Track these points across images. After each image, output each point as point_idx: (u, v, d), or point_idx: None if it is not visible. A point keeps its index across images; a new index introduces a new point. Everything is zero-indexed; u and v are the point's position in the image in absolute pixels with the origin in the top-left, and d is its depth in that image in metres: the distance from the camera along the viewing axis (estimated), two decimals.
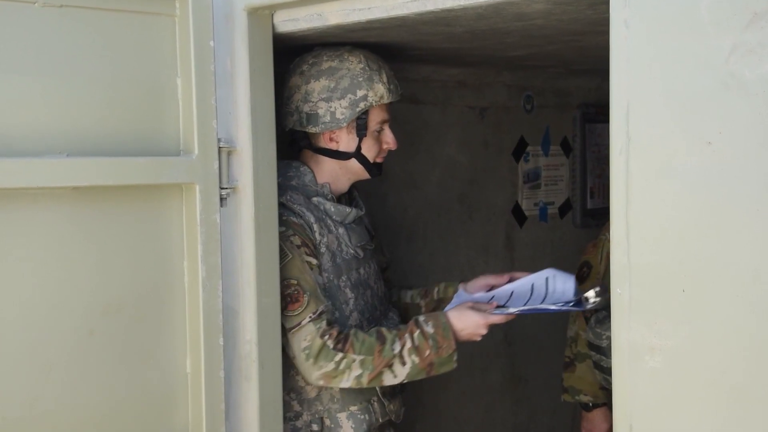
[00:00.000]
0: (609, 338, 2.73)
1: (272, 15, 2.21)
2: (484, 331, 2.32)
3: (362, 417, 2.41)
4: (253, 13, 2.17)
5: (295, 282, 2.29)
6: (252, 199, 2.18)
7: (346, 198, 2.57)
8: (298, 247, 2.32)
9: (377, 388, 2.45)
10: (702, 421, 1.52)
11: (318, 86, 2.39)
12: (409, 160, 3.23)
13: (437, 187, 3.37)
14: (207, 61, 2.08)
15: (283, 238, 2.31)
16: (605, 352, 2.78)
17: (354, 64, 2.39)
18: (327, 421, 2.40)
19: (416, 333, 2.28)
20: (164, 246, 2.09)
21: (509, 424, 3.70)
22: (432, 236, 3.35)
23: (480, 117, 3.50)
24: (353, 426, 2.40)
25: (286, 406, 2.37)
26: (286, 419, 2.37)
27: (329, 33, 2.25)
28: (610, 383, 2.81)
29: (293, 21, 2.19)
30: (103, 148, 1.98)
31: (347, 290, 2.41)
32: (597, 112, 3.90)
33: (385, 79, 2.41)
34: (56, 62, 1.92)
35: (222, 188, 2.13)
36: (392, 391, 2.51)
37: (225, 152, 2.14)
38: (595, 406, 2.93)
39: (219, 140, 2.12)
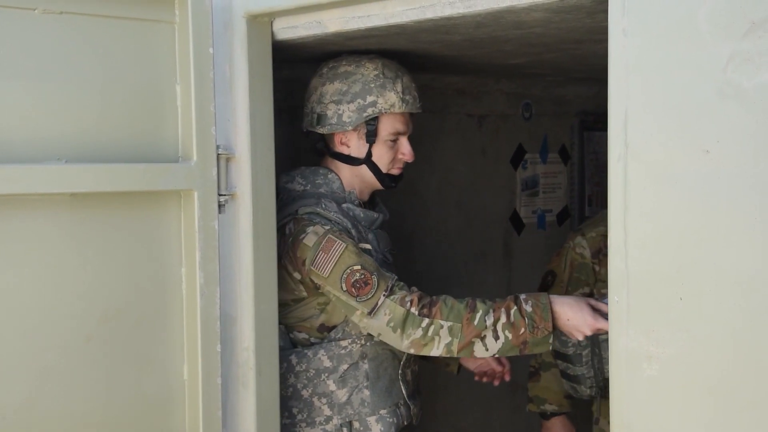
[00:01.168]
0: (575, 346, 2.74)
1: (271, 22, 2.22)
2: (588, 332, 2.25)
3: (391, 420, 2.43)
4: (253, 20, 2.17)
5: (359, 267, 2.27)
6: (250, 205, 2.18)
7: (369, 205, 2.58)
8: (348, 237, 2.33)
9: (403, 392, 2.47)
10: (699, 428, 1.52)
11: (331, 89, 2.41)
12: (407, 167, 3.22)
13: (435, 194, 3.37)
14: (206, 68, 2.08)
15: (331, 232, 2.30)
16: (572, 360, 2.78)
17: (369, 71, 2.40)
18: (356, 425, 2.41)
19: (513, 309, 2.22)
20: (162, 252, 2.09)
21: None
22: (430, 243, 3.35)
23: (478, 125, 3.51)
24: (382, 429, 2.41)
25: (317, 410, 2.38)
26: (316, 423, 2.38)
27: (328, 40, 2.25)
28: (577, 392, 2.82)
29: (292, 28, 2.19)
30: (101, 155, 1.98)
31: None
32: (595, 120, 3.90)
33: (399, 89, 2.41)
34: (55, 69, 1.92)
35: (220, 195, 2.13)
36: (413, 394, 2.54)
37: (223, 159, 2.15)
38: (554, 414, 2.91)
39: (218, 147, 2.12)
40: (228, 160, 2.16)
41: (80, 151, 1.95)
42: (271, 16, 2.19)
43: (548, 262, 3.02)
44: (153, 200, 2.06)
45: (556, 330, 2.25)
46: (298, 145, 2.71)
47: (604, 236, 2.84)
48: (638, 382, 1.57)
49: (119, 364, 2.04)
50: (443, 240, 3.40)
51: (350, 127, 2.40)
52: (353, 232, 2.36)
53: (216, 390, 2.13)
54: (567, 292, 2.89)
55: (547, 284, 2.93)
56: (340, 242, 2.28)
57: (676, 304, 1.52)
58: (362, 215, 2.45)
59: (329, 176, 2.46)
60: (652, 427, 1.57)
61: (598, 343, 2.78)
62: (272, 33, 2.23)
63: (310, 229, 2.31)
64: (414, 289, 2.30)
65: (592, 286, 2.90)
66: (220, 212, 2.13)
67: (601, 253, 2.86)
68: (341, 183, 2.46)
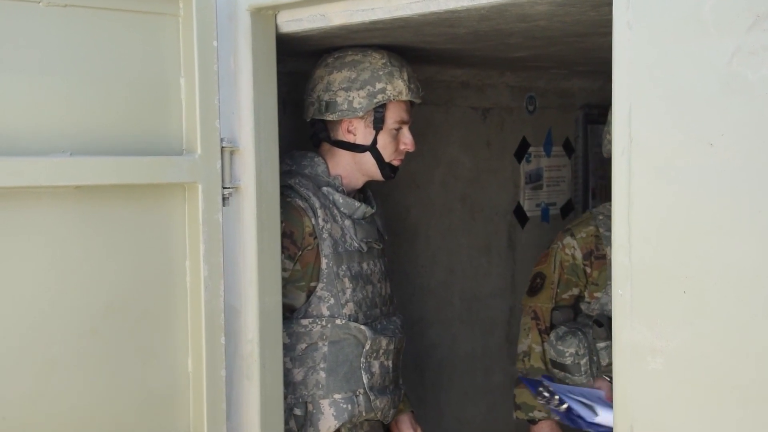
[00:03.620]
0: (573, 355, 2.72)
1: (275, 15, 2.21)
2: None
3: (345, 406, 2.41)
4: (257, 13, 2.17)
5: None
6: (254, 198, 2.18)
7: (360, 196, 2.59)
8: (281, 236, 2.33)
9: (364, 381, 2.45)
10: (703, 422, 1.52)
11: (339, 77, 2.45)
12: (411, 160, 3.22)
13: (440, 187, 3.37)
14: (210, 61, 2.08)
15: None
16: (570, 369, 2.75)
17: (376, 59, 2.45)
18: (310, 407, 2.40)
19: None
20: (166, 245, 2.09)
21: (511, 425, 3.70)
22: (434, 236, 3.35)
23: (482, 118, 3.51)
24: (334, 413, 2.40)
25: None
26: None
27: (333, 34, 2.25)
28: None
29: (296, 21, 2.19)
30: (106, 147, 1.98)
31: (345, 280, 2.44)
32: (599, 113, 3.89)
33: (405, 77, 2.46)
34: (60, 61, 1.93)
35: (224, 188, 2.14)
36: (381, 388, 2.50)
37: (228, 152, 2.15)
38: (542, 419, 2.86)
39: (222, 140, 2.13)
40: (232, 153, 2.16)
41: (85, 143, 1.95)
42: (275, 9, 2.19)
43: (535, 263, 2.99)
44: (157, 193, 2.07)
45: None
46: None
47: (596, 236, 2.82)
48: (642, 375, 1.57)
49: (124, 356, 2.05)
50: (447, 233, 3.40)
51: (361, 113, 2.43)
52: (319, 212, 2.41)
53: (220, 382, 2.14)
54: (557, 294, 2.88)
55: (537, 287, 2.90)
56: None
57: (680, 297, 1.52)
58: (341, 201, 2.47)
59: (315, 159, 2.51)
60: (656, 420, 1.57)
61: (596, 351, 2.76)
62: (276, 26, 2.23)
63: None
64: None
65: (583, 287, 2.87)
66: (224, 205, 2.14)
67: (592, 255, 2.82)
68: (326, 167, 2.51)
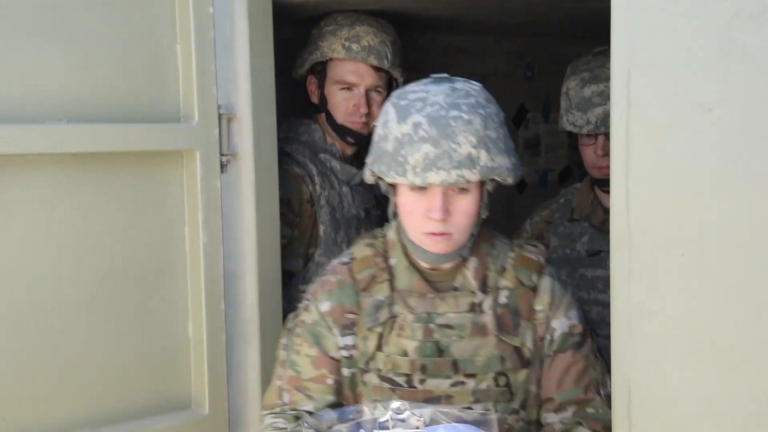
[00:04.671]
0: None
1: None
2: None
3: None
4: None
5: None
6: (252, 165, 2.18)
7: (357, 162, 2.59)
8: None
9: None
10: (700, 383, 1.53)
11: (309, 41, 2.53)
12: None
13: None
14: (206, 27, 2.07)
15: None
16: None
17: (332, 19, 2.48)
18: None
19: None
20: (165, 212, 2.10)
21: None
22: None
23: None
24: None
25: None
26: None
27: (329, 0, 2.24)
28: None
29: None
30: (103, 115, 1.98)
31: (343, 246, 2.44)
32: None
33: (344, 35, 2.44)
34: (56, 28, 1.92)
35: (222, 155, 2.14)
36: None
37: (225, 119, 2.15)
38: None
39: (219, 107, 2.12)
40: (230, 120, 2.16)
41: (82, 111, 1.95)
42: None
43: None
44: (155, 160, 2.07)
45: None
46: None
47: (547, 222, 2.82)
48: (639, 337, 1.58)
49: (124, 323, 2.06)
50: None
51: (301, 70, 2.52)
52: (317, 179, 2.42)
53: (221, 347, 2.15)
54: None
55: None
56: None
57: (677, 260, 1.52)
58: (338, 167, 2.49)
59: (312, 126, 2.53)
60: (653, 382, 1.58)
61: None
62: None
63: None
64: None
65: None
66: (222, 172, 2.14)
67: (544, 239, 2.77)
68: (323, 134, 2.52)
